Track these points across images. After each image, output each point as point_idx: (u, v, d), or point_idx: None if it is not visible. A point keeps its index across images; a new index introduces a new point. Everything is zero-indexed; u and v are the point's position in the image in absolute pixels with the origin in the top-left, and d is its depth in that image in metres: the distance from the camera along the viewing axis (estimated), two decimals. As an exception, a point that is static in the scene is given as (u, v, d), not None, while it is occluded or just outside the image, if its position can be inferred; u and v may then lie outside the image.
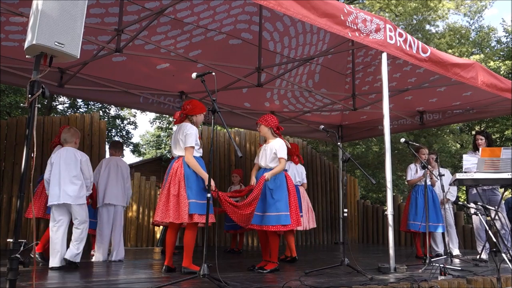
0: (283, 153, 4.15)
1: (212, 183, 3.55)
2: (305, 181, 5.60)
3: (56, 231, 4.13)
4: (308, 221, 5.43)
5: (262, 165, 4.26)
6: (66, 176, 4.15)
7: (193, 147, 3.84)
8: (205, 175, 3.78)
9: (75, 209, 4.18)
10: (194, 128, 3.90)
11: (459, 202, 4.81)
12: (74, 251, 4.16)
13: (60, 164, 4.18)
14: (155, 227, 7.88)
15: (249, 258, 5.55)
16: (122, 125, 20.37)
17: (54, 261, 4.06)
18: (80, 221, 4.21)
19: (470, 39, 17.60)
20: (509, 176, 4.46)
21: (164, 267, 3.94)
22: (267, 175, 4.06)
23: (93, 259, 4.98)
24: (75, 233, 4.20)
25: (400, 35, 4.54)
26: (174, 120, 4.10)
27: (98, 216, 5.04)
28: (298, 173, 5.37)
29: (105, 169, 5.13)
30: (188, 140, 3.81)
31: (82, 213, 4.23)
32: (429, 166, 5.59)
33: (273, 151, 4.16)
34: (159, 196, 3.96)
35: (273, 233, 4.11)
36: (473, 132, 11.98)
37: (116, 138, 20.17)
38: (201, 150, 3.99)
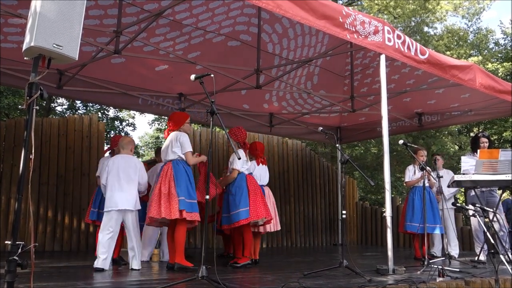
0: (235, 165, 4.66)
1: (204, 157, 4.39)
2: (265, 182, 5.17)
3: (111, 237, 4.13)
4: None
5: None
6: (125, 182, 4.18)
7: (191, 151, 4.21)
8: (203, 158, 4.41)
9: (133, 215, 4.21)
10: (186, 135, 4.28)
11: (458, 204, 4.82)
12: (139, 258, 4.22)
13: (118, 171, 4.21)
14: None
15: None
16: (121, 126, 20.30)
17: (103, 263, 4.05)
18: (136, 226, 4.23)
19: (468, 41, 17.61)
20: (508, 178, 4.47)
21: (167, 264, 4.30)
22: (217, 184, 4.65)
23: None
24: (135, 239, 4.20)
25: (399, 37, 4.55)
26: (164, 136, 4.54)
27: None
28: (260, 174, 5.05)
29: (151, 175, 5.30)
30: (185, 146, 4.18)
31: (136, 219, 4.27)
32: (427, 167, 5.59)
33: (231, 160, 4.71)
34: (151, 196, 4.22)
35: (244, 229, 4.56)
36: (472, 134, 12.01)
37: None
38: None
